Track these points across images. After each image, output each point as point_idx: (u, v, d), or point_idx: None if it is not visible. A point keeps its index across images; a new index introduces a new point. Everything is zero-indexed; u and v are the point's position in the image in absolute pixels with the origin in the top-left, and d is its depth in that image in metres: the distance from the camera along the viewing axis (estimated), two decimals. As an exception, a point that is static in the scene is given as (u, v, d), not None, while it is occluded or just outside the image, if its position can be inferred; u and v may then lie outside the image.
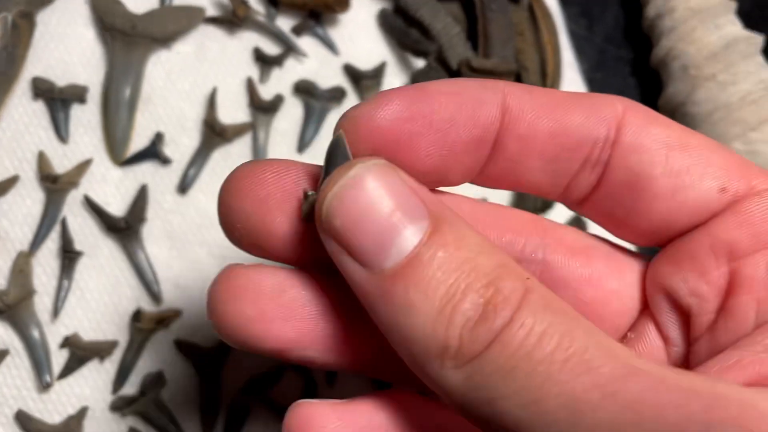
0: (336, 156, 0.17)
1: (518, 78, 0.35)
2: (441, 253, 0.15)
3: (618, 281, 0.20)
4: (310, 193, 0.17)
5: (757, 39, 0.33)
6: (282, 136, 0.34)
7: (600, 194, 0.19)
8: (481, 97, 0.18)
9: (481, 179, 0.19)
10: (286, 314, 0.18)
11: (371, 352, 0.19)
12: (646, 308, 0.20)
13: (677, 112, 0.34)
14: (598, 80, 0.37)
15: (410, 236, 0.15)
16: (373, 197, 0.16)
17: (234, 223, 0.18)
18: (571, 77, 0.37)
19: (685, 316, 0.19)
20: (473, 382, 0.15)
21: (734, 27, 0.34)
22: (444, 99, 0.17)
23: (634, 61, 0.38)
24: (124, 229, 0.31)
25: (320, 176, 0.17)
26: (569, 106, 0.18)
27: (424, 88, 0.17)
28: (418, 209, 0.16)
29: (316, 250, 0.17)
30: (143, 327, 0.31)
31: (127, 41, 0.32)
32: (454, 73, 0.34)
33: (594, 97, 0.19)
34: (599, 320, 0.20)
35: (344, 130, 0.17)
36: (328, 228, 0.16)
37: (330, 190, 0.16)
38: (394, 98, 0.17)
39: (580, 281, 0.20)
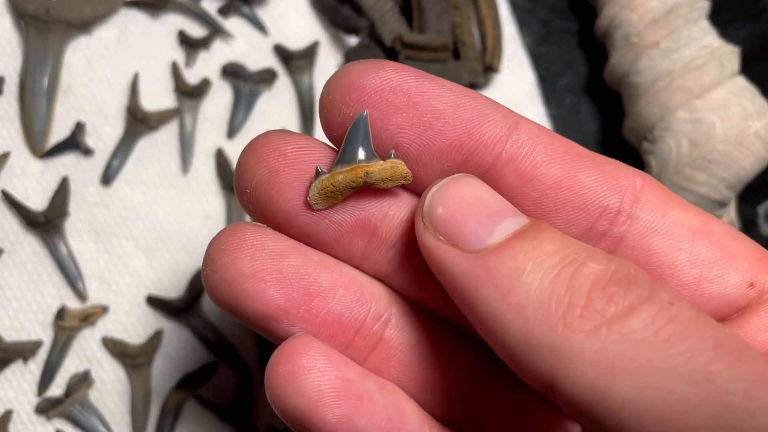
0: (357, 134, 0.16)
1: (456, 53, 0.33)
2: (548, 233, 0.15)
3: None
4: (321, 170, 0.17)
5: (701, 3, 0.32)
6: (210, 121, 0.32)
7: None
8: (488, 113, 0.17)
9: None
10: (281, 279, 0.17)
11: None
12: None
13: (622, 83, 0.33)
14: (543, 54, 0.36)
15: (515, 221, 0.15)
16: (476, 190, 0.16)
17: (245, 186, 0.17)
18: (514, 51, 0.35)
19: None
20: (601, 356, 0.13)
21: (677, -8, 0.32)
22: (443, 92, 0.16)
23: (580, 33, 0.37)
24: (45, 223, 0.30)
25: (335, 157, 0.17)
26: (585, 162, 0.17)
27: (427, 75, 0.17)
28: (515, 209, 0.16)
29: (314, 234, 0.17)
30: (67, 325, 0.29)
31: (41, 27, 0.31)
32: (388, 51, 0.33)
33: (614, 164, 0.17)
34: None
35: (334, 79, 0.17)
36: (431, 217, 0.16)
37: (433, 187, 0.16)
38: (389, 66, 0.16)
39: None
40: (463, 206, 0.15)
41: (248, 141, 0.17)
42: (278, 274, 0.17)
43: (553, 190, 0.17)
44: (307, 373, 0.16)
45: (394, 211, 0.18)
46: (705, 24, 0.32)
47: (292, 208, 0.17)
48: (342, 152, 0.17)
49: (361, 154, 0.16)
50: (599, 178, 0.17)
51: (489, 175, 0.17)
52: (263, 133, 0.17)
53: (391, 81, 0.16)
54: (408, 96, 0.16)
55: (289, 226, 0.17)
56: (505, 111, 0.17)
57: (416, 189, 0.18)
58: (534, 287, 0.14)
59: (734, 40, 0.36)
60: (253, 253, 0.17)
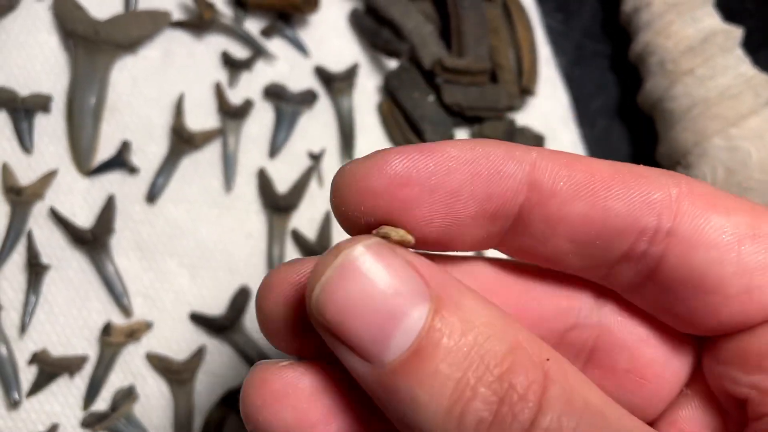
0: None
1: (493, 76, 0.34)
2: (445, 340, 0.14)
3: (675, 342, 0.18)
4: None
5: (736, 32, 0.33)
6: (253, 141, 0.33)
7: (652, 288, 0.17)
8: (502, 169, 0.16)
9: (501, 249, 0.17)
10: (328, 417, 0.16)
11: None
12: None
13: (656, 109, 0.34)
14: (576, 76, 0.37)
15: (411, 324, 0.14)
16: (364, 285, 0.14)
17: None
18: (549, 74, 0.36)
19: (741, 401, 0.17)
20: None
21: (712, 20, 0.33)
22: (454, 166, 0.16)
23: (612, 56, 0.37)
24: (91, 241, 0.30)
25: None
26: (612, 186, 0.16)
27: (433, 150, 0.16)
28: (418, 291, 0.14)
29: None
30: (113, 341, 0.30)
31: (90, 47, 0.31)
32: (427, 73, 0.33)
33: (643, 177, 0.16)
34: (656, 379, 0.18)
35: (338, 188, 0.16)
36: (320, 322, 0.14)
37: (317, 281, 0.14)
38: (393, 158, 0.15)
39: (639, 342, 0.18)
40: (351, 312, 0.14)
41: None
42: (323, 413, 0.16)
43: (583, 226, 0.16)
44: None
45: None
46: (739, 53, 0.33)
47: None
48: None
49: None
50: (630, 200, 0.16)
51: (517, 225, 0.16)
52: (276, 270, 0.17)
53: (400, 175, 0.15)
54: (420, 184, 0.15)
55: None
56: (520, 155, 0.16)
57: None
58: (428, 421, 0.14)
59: (764, 66, 0.37)
60: (292, 400, 0.16)
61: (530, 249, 0.17)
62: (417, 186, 0.15)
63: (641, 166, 0.16)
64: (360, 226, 0.16)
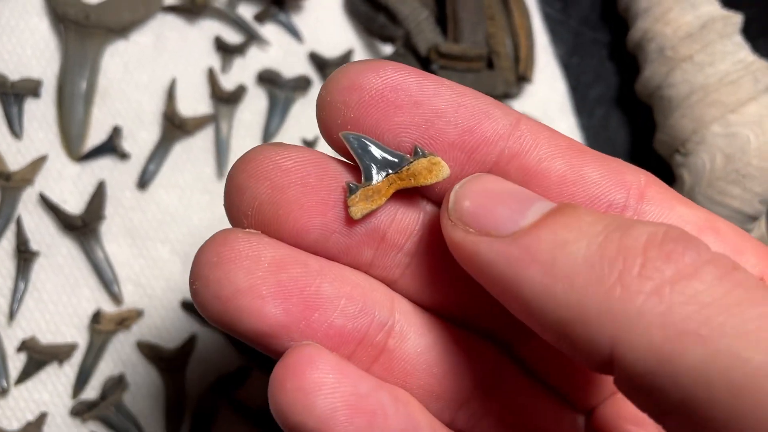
0: (371, 143, 0.16)
1: (489, 63, 0.33)
2: (583, 209, 0.14)
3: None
4: (353, 185, 0.16)
5: (735, 18, 0.32)
6: (246, 127, 0.33)
7: None
8: (489, 111, 0.16)
9: None
10: (280, 293, 0.16)
11: None
12: None
13: (654, 96, 0.33)
14: (574, 65, 0.36)
15: (545, 205, 0.15)
16: (501, 182, 0.16)
17: (245, 209, 0.16)
18: (546, 61, 0.35)
19: None
20: (677, 314, 0.12)
21: (711, 6, 0.33)
22: (443, 91, 0.16)
23: (611, 44, 0.37)
24: (81, 227, 0.30)
25: (339, 166, 0.17)
26: (589, 158, 0.17)
27: (428, 75, 0.16)
28: (542, 197, 0.15)
29: (322, 249, 0.17)
30: (103, 328, 0.30)
31: (81, 32, 0.31)
32: (423, 60, 0.33)
33: (618, 162, 0.17)
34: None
35: (332, 80, 0.16)
36: (459, 212, 0.15)
37: (456, 185, 0.16)
38: (389, 66, 0.16)
39: None
40: (491, 196, 0.15)
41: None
42: (277, 288, 0.16)
43: (558, 185, 0.16)
44: (319, 390, 0.15)
45: (402, 214, 0.17)
46: (739, 39, 0.32)
47: (302, 227, 0.16)
48: (369, 161, 0.16)
49: (392, 157, 0.16)
50: (604, 173, 0.17)
51: (493, 173, 0.17)
52: (255, 148, 0.17)
53: (392, 80, 0.16)
54: (409, 95, 0.16)
55: (297, 245, 0.16)
56: (505, 109, 0.17)
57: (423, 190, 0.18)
58: (581, 255, 0.13)
59: (764, 54, 0.36)
60: (249, 265, 0.15)
61: None
62: (406, 95, 0.16)
63: (618, 159, 0.18)
64: (339, 120, 0.16)
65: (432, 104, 0.16)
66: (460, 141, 0.16)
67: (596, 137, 0.36)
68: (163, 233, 0.31)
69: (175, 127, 0.31)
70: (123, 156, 0.31)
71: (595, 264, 0.13)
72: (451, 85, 0.16)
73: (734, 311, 0.12)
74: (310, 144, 0.33)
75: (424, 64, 0.33)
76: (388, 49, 0.34)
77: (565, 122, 0.35)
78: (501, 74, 0.33)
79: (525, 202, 0.15)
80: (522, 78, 0.34)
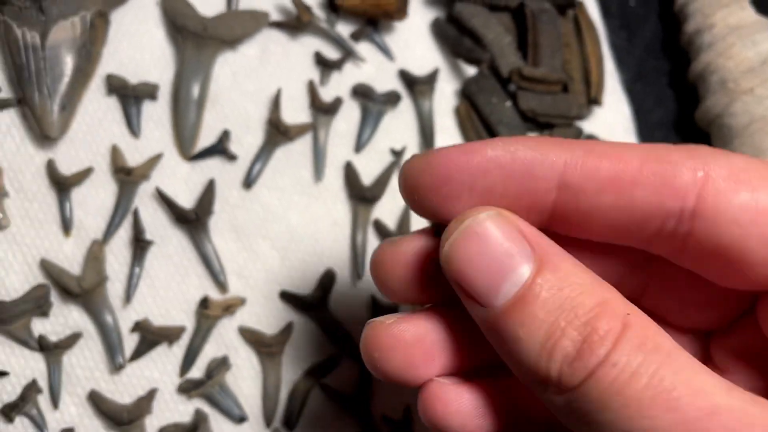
0: None
1: (565, 87, 0.36)
2: (545, 293, 0.17)
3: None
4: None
5: (793, 56, 0.35)
6: (340, 137, 0.35)
7: (689, 257, 0.19)
8: (535, 171, 0.18)
9: (551, 230, 0.20)
10: (429, 358, 0.20)
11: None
12: None
13: (714, 124, 0.36)
14: (637, 90, 0.39)
15: (517, 279, 0.17)
16: (481, 245, 0.18)
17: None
18: (613, 86, 0.38)
19: None
20: (572, 408, 0.17)
21: (770, 44, 0.36)
22: (490, 167, 0.18)
23: (671, 72, 0.40)
24: (194, 220, 0.33)
25: None
26: (638, 175, 0.18)
27: (473, 152, 0.19)
28: (524, 254, 0.18)
29: None
30: (210, 314, 0.32)
31: (197, 42, 0.34)
32: (504, 81, 0.36)
33: (670, 163, 0.18)
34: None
35: (401, 183, 0.20)
36: (448, 272, 0.18)
37: (447, 240, 0.18)
38: (438, 160, 0.19)
39: (688, 281, 0.20)
40: (471, 266, 0.18)
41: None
42: (425, 355, 0.21)
43: (613, 213, 0.18)
44: None
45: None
46: (795, 75, 0.35)
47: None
48: None
49: None
50: (656, 186, 0.18)
51: (555, 216, 0.19)
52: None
53: (443, 175, 0.19)
54: (461, 182, 0.19)
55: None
56: (551, 157, 0.18)
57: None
58: (525, 359, 0.17)
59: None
60: (401, 348, 0.20)
61: (575, 231, 0.20)
62: (457, 184, 0.19)
63: (671, 147, 0.19)
64: (427, 210, 0.20)
65: (482, 184, 0.19)
66: (515, 206, 0.19)
67: (655, 158, 0.39)
68: (265, 230, 0.34)
69: (279, 133, 0.34)
70: (231, 158, 0.34)
71: (533, 367, 0.17)
72: (497, 153, 0.19)
73: (603, 407, 0.17)
74: (397, 154, 0.35)
75: (505, 84, 0.36)
76: (470, 70, 0.37)
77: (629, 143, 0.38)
78: (575, 98, 0.36)
79: (498, 279, 0.17)
80: (593, 101, 0.37)
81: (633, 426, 0.16)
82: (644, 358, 0.16)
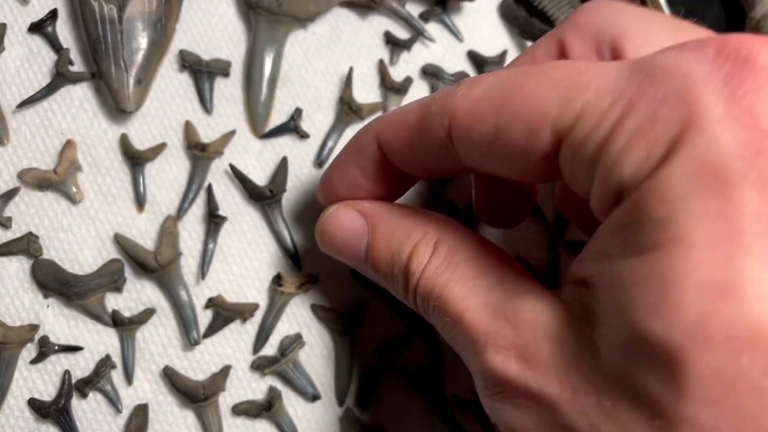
0: None
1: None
2: (379, 251, 0.26)
3: None
4: None
5: None
6: (410, 116, 0.35)
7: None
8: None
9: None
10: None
11: None
12: None
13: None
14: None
15: (364, 245, 0.27)
16: (336, 227, 0.28)
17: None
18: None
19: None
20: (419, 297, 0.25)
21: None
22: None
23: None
24: (269, 197, 0.33)
25: None
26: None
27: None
28: (362, 227, 0.27)
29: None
30: (285, 291, 0.32)
31: (271, 19, 0.34)
32: (573, 63, 0.36)
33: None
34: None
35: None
36: (320, 245, 0.29)
37: (318, 224, 0.29)
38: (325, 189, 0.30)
39: None
40: (333, 244, 0.29)
41: None
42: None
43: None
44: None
45: None
46: None
47: None
48: None
49: None
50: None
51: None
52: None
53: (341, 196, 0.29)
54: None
55: None
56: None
57: None
58: (381, 273, 0.27)
59: None
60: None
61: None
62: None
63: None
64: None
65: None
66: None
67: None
68: (336, 208, 0.34)
69: (351, 111, 0.34)
70: (303, 136, 0.34)
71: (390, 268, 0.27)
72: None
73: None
74: (466, 134, 0.35)
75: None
76: (539, 51, 0.37)
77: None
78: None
79: (351, 249, 0.28)
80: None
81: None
82: (447, 266, 0.24)
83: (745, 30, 0.39)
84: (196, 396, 0.31)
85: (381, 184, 0.27)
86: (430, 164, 0.25)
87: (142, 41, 0.32)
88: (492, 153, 0.22)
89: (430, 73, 0.36)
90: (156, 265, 0.31)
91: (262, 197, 0.33)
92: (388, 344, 0.33)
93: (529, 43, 0.37)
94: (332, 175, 0.28)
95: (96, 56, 0.32)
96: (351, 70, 0.35)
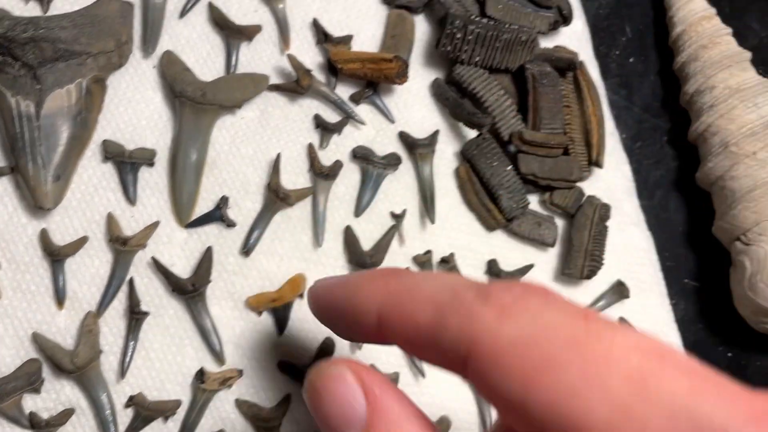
0: None
1: (566, 150, 0.36)
2: None
3: None
4: None
5: (794, 119, 0.35)
6: (340, 200, 0.35)
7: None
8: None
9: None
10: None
11: None
12: None
13: (716, 185, 0.36)
14: (637, 149, 0.39)
15: (358, 422, 0.20)
16: (330, 394, 0.21)
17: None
18: (613, 146, 0.38)
19: None
20: None
21: (772, 106, 0.36)
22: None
23: (670, 131, 0.40)
24: (192, 291, 0.32)
25: None
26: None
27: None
28: (361, 403, 0.20)
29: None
30: (207, 387, 0.31)
31: (196, 108, 0.33)
32: (505, 143, 0.36)
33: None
34: None
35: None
36: (309, 407, 0.21)
37: (310, 380, 0.21)
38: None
39: None
40: (322, 413, 0.21)
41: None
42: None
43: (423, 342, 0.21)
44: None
45: None
46: (796, 138, 0.35)
47: None
48: None
49: None
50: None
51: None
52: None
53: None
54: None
55: None
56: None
57: None
58: None
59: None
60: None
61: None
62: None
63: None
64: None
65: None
66: None
67: (656, 218, 0.39)
68: (263, 298, 0.33)
69: (278, 198, 0.34)
70: (229, 225, 0.33)
71: None
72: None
73: None
74: (397, 217, 0.35)
75: (504, 147, 0.36)
76: (472, 131, 0.37)
77: (630, 203, 0.38)
78: (576, 160, 0.36)
79: (344, 421, 0.20)
80: (594, 163, 0.37)
81: None
82: None
83: (679, 103, 0.39)
84: (114, 501, 0.30)
85: (375, 338, 0.23)
86: (435, 359, 0.22)
87: (62, 136, 0.32)
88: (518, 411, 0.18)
89: (360, 155, 0.35)
90: (73, 367, 0.30)
91: (185, 291, 0.32)
92: (316, 439, 0.32)
93: (460, 125, 0.37)
94: (330, 297, 0.24)
95: (14, 152, 0.31)
96: (279, 156, 0.34)
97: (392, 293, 0.21)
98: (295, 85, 0.35)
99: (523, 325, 0.17)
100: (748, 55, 0.37)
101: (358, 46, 0.37)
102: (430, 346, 0.20)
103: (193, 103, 0.33)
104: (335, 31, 0.37)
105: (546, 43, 0.38)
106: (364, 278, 0.22)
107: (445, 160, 0.36)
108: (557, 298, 0.18)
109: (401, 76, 0.35)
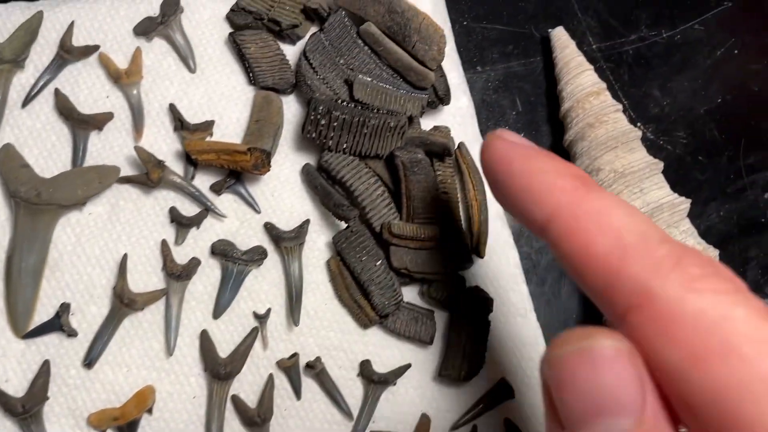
0: None
1: (445, 239, 0.34)
2: None
3: None
4: None
5: (682, 206, 0.33)
6: (197, 301, 0.32)
7: None
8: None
9: None
10: None
11: None
12: None
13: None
14: (527, 231, 0.37)
15: (613, 427, 0.16)
16: (594, 374, 0.16)
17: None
18: (498, 230, 0.36)
19: None
20: None
21: (660, 191, 0.33)
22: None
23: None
24: (22, 413, 0.29)
25: None
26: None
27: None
28: (633, 405, 0.16)
29: None
30: None
31: (32, 209, 0.31)
32: (377, 235, 0.33)
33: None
34: None
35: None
36: (543, 370, 0.17)
37: (557, 346, 0.17)
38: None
39: None
40: (569, 388, 0.17)
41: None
42: None
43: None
44: None
45: None
46: (687, 225, 0.33)
47: None
48: None
49: None
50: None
51: None
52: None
53: None
54: None
55: None
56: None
57: None
58: None
59: (713, 218, 0.37)
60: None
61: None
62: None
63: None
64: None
65: None
66: None
67: (549, 304, 0.36)
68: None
69: (123, 305, 0.31)
70: (69, 334, 0.31)
71: None
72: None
73: None
74: (260, 318, 0.32)
75: (378, 238, 0.33)
76: (343, 222, 0.34)
77: (517, 291, 0.35)
78: (454, 250, 0.33)
79: (595, 414, 0.16)
80: (475, 252, 0.34)
81: None
82: None
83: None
84: None
85: (535, 232, 0.21)
86: (589, 286, 0.19)
87: None
88: None
89: (220, 251, 0.33)
90: None
91: (15, 414, 0.29)
92: None
93: (329, 214, 0.34)
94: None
95: None
96: (125, 257, 0.32)
97: (574, 203, 0.18)
98: (146, 178, 0.32)
99: (708, 305, 0.16)
100: (637, 133, 0.35)
101: (221, 131, 0.34)
102: (592, 276, 0.18)
103: (29, 204, 0.31)
104: (197, 114, 0.34)
105: (428, 120, 0.36)
106: (552, 166, 0.19)
107: (316, 251, 0.34)
108: (743, 288, 0.17)
109: (259, 167, 0.33)
